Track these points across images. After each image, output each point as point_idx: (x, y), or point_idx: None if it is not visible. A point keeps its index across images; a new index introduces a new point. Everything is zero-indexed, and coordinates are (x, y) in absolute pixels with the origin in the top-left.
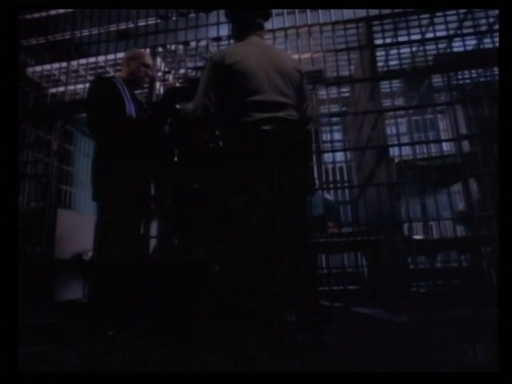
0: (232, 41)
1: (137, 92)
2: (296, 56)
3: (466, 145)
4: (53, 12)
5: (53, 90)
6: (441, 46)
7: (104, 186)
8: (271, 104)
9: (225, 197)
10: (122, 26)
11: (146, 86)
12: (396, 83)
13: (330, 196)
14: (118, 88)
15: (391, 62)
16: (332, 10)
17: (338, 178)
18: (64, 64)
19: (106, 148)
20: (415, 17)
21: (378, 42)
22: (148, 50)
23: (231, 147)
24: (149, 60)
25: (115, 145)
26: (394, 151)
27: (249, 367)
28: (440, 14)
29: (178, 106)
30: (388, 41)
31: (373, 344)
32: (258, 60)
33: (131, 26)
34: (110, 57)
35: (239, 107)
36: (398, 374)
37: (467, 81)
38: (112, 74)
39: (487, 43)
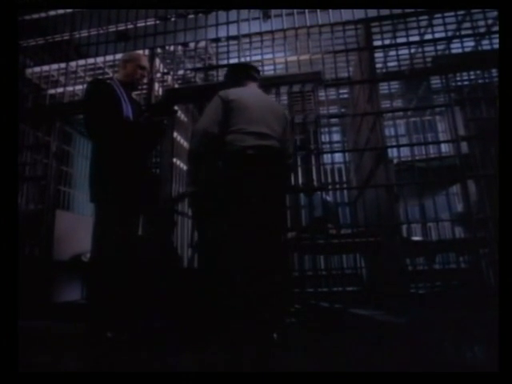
0: (231, 41)
1: (136, 93)
2: (295, 57)
3: (464, 146)
4: (52, 13)
5: (52, 91)
6: (439, 47)
7: (102, 188)
8: (261, 134)
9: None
10: (121, 27)
11: (143, 87)
12: (395, 85)
13: (329, 197)
14: (115, 90)
15: (390, 64)
16: (331, 12)
17: (337, 179)
18: (63, 65)
19: (104, 150)
20: (414, 18)
21: (377, 43)
22: (146, 52)
23: (226, 164)
24: (145, 62)
25: (113, 146)
26: (392, 152)
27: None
28: (438, 15)
29: (176, 108)
30: (387, 42)
31: (372, 345)
32: (253, 100)
33: (130, 27)
34: (109, 58)
35: (236, 134)
36: (397, 375)
37: (466, 82)
38: (111, 75)
39: (485, 45)
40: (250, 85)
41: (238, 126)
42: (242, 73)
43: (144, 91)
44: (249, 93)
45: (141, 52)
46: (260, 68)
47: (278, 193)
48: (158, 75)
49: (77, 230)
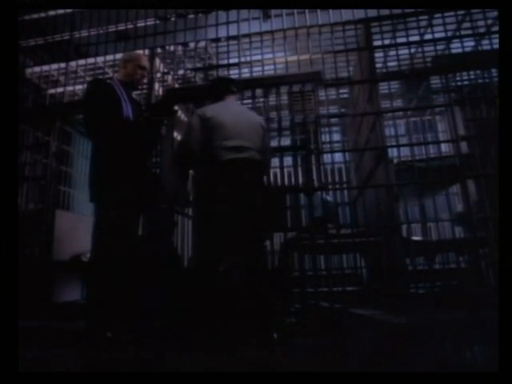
0: (231, 41)
1: (136, 93)
2: (295, 57)
3: (464, 146)
4: (51, 13)
5: (51, 91)
6: (439, 47)
7: (102, 188)
8: (238, 148)
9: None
10: (121, 27)
11: (143, 87)
12: (395, 85)
13: (329, 197)
14: (115, 89)
15: (390, 64)
16: (331, 12)
17: (337, 179)
18: (63, 65)
19: (104, 149)
20: (414, 18)
21: (377, 43)
22: (146, 52)
23: (208, 178)
24: (145, 62)
25: (113, 146)
26: (392, 152)
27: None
28: (438, 15)
29: (176, 108)
30: (386, 42)
31: (372, 345)
32: (230, 115)
33: (130, 26)
34: (109, 58)
35: (215, 149)
36: (397, 375)
37: (465, 82)
38: (111, 74)
39: (485, 45)
40: (228, 98)
41: (217, 141)
42: (221, 88)
43: (144, 91)
44: (226, 108)
45: (141, 52)
46: (260, 68)
47: (256, 200)
48: (158, 75)
49: (77, 229)
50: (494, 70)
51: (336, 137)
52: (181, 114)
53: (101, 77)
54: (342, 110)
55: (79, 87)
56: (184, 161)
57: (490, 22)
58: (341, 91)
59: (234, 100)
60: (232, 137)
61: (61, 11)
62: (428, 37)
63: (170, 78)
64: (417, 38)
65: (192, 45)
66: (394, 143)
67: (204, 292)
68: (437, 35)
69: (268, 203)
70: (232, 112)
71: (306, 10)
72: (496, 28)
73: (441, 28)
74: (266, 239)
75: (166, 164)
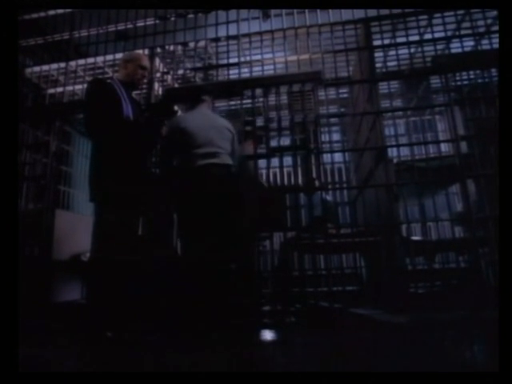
0: (231, 41)
1: (135, 92)
2: (294, 57)
3: (463, 146)
4: (51, 12)
5: (51, 91)
6: (439, 47)
7: (101, 188)
8: (207, 154)
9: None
10: (121, 27)
11: (143, 87)
12: (394, 84)
13: (329, 197)
14: (116, 89)
15: (389, 63)
16: (330, 11)
17: (337, 178)
18: (62, 65)
19: (104, 149)
20: (413, 18)
21: (377, 43)
22: (146, 51)
23: (183, 183)
24: (146, 62)
25: (113, 146)
26: (392, 152)
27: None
28: (438, 15)
29: (175, 108)
30: (386, 42)
31: (371, 345)
32: (199, 124)
33: (130, 26)
34: (109, 57)
35: (187, 157)
36: (396, 375)
37: (465, 82)
38: (111, 74)
39: (485, 44)
40: (200, 107)
41: (189, 149)
42: (194, 97)
43: (144, 91)
44: (196, 117)
45: (141, 52)
46: (259, 67)
47: (230, 201)
48: (158, 75)
49: (76, 229)
50: (493, 70)
51: (336, 136)
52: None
53: (101, 76)
54: (342, 110)
55: (79, 87)
56: (164, 168)
57: (489, 21)
58: (340, 91)
59: (206, 108)
60: (203, 144)
61: (60, 11)
62: (428, 36)
63: (169, 77)
64: (416, 38)
65: (192, 44)
66: (393, 143)
67: (192, 291)
68: (436, 35)
69: (242, 204)
70: (202, 120)
71: (306, 10)
72: (495, 28)
73: (440, 28)
74: (248, 239)
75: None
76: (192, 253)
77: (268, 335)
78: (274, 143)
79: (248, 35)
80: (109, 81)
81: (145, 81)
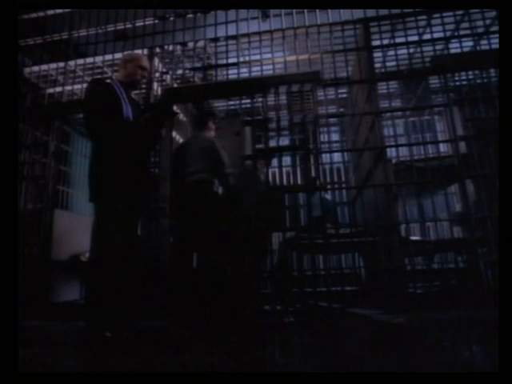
0: (230, 41)
1: (134, 92)
2: (294, 57)
3: (462, 146)
4: (50, 12)
5: (50, 91)
6: (438, 47)
7: (101, 188)
8: (193, 172)
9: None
10: (120, 27)
11: (143, 87)
12: (393, 84)
13: (328, 196)
14: (115, 90)
15: (388, 64)
16: (330, 12)
17: (336, 178)
18: (61, 64)
19: (103, 150)
20: (412, 18)
21: (376, 43)
22: (146, 51)
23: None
24: (145, 63)
25: (112, 146)
26: (391, 152)
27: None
28: (437, 15)
29: (176, 111)
30: (385, 42)
31: (370, 345)
32: (189, 149)
33: (129, 26)
34: (108, 57)
35: (180, 173)
36: (396, 375)
37: (464, 82)
38: (110, 74)
39: (484, 45)
40: (196, 134)
41: (180, 168)
42: (201, 122)
43: (143, 91)
44: (189, 144)
45: (141, 52)
46: (258, 67)
47: (209, 209)
48: (157, 75)
49: (75, 229)
50: (492, 70)
51: (335, 136)
52: (180, 114)
53: (100, 77)
54: (341, 110)
55: (78, 87)
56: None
57: (488, 22)
58: (340, 91)
59: (200, 136)
60: (189, 164)
61: (59, 10)
62: (427, 37)
63: (168, 77)
64: (416, 38)
65: (191, 44)
66: (392, 143)
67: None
68: (435, 35)
69: (217, 212)
70: (192, 146)
71: (305, 10)
72: (494, 28)
73: (439, 28)
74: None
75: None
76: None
77: (268, 335)
78: (273, 143)
79: (247, 35)
80: (108, 81)
81: (144, 81)
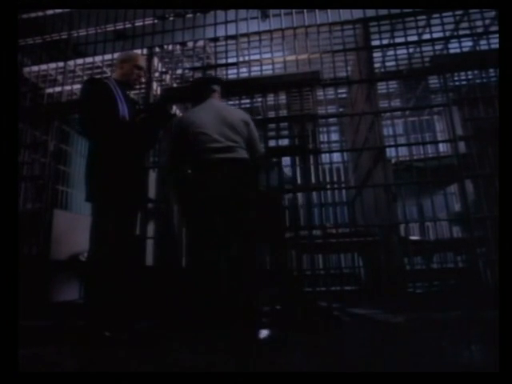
0: (229, 41)
1: (134, 92)
2: (293, 57)
3: (462, 146)
4: (50, 12)
5: (49, 91)
6: (437, 47)
7: (97, 187)
8: (218, 149)
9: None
10: (119, 26)
11: (139, 87)
12: (393, 84)
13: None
14: (111, 89)
15: (388, 64)
16: (329, 12)
17: (335, 178)
18: (61, 64)
19: (99, 149)
20: (412, 18)
21: (375, 43)
22: (145, 51)
23: (198, 176)
24: (142, 62)
25: (108, 146)
26: (390, 152)
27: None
28: (436, 15)
29: (173, 111)
30: (385, 42)
31: (369, 344)
32: (208, 118)
33: (128, 26)
34: (107, 57)
35: (199, 153)
36: (396, 375)
37: (463, 82)
38: (109, 74)
39: (483, 45)
40: (209, 99)
41: (199, 144)
42: (202, 88)
43: (142, 90)
44: (206, 111)
45: (138, 52)
46: (258, 67)
47: (244, 196)
48: (157, 74)
49: (75, 229)
50: (492, 70)
51: (334, 136)
52: (179, 114)
53: (97, 76)
54: (341, 110)
55: (77, 86)
56: (171, 168)
57: (487, 21)
58: (339, 91)
59: (217, 99)
60: (214, 139)
61: (59, 10)
62: (426, 37)
63: (168, 77)
64: (415, 38)
65: (190, 44)
66: (392, 143)
67: (199, 291)
68: (435, 35)
69: (260, 199)
70: (213, 113)
71: (305, 10)
72: (494, 28)
73: (439, 28)
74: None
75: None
76: (198, 254)
77: (267, 335)
78: (272, 143)
79: (247, 35)
80: (105, 80)
81: (142, 80)
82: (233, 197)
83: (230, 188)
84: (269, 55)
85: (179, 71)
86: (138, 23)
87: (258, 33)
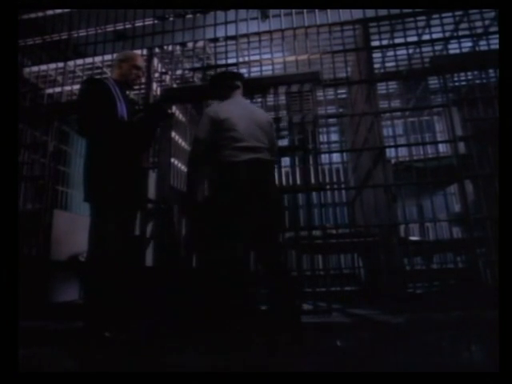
0: (229, 41)
1: (134, 92)
2: (293, 57)
3: (461, 146)
4: (50, 12)
5: (49, 91)
6: (437, 47)
7: (96, 187)
8: (251, 148)
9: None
10: (119, 27)
11: (139, 87)
12: (393, 85)
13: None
14: (110, 88)
15: (388, 64)
16: (329, 12)
17: (335, 179)
18: (61, 64)
19: (98, 149)
20: (412, 19)
21: (375, 43)
22: (145, 51)
23: (225, 177)
24: (140, 62)
25: (106, 145)
26: (390, 153)
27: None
28: (436, 16)
29: (171, 111)
30: (385, 43)
31: (369, 345)
32: (241, 116)
33: (128, 26)
34: (107, 57)
35: (228, 151)
36: (395, 375)
37: (463, 83)
38: (109, 74)
39: (483, 45)
40: (235, 95)
41: (231, 142)
42: (227, 83)
43: (142, 91)
44: (236, 108)
45: (137, 52)
46: (258, 68)
47: (269, 197)
48: (156, 75)
49: (74, 229)
50: (491, 71)
51: (334, 137)
52: (179, 115)
53: (96, 76)
54: (340, 110)
55: (77, 87)
56: (196, 163)
57: (487, 22)
58: (339, 91)
59: (241, 96)
60: (246, 137)
61: (59, 10)
62: (426, 37)
63: (168, 77)
64: (415, 39)
65: (190, 45)
66: (391, 143)
67: (212, 292)
68: (435, 36)
69: (281, 202)
70: (243, 112)
71: (305, 11)
72: (494, 28)
73: (439, 28)
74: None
75: (163, 164)
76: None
77: (267, 335)
78: None
79: (246, 35)
80: (103, 80)
81: (141, 80)
82: (262, 197)
83: (260, 188)
84: (268, 56)
85: (179, 72)
86: (138, 24)
87: (258, 33)
